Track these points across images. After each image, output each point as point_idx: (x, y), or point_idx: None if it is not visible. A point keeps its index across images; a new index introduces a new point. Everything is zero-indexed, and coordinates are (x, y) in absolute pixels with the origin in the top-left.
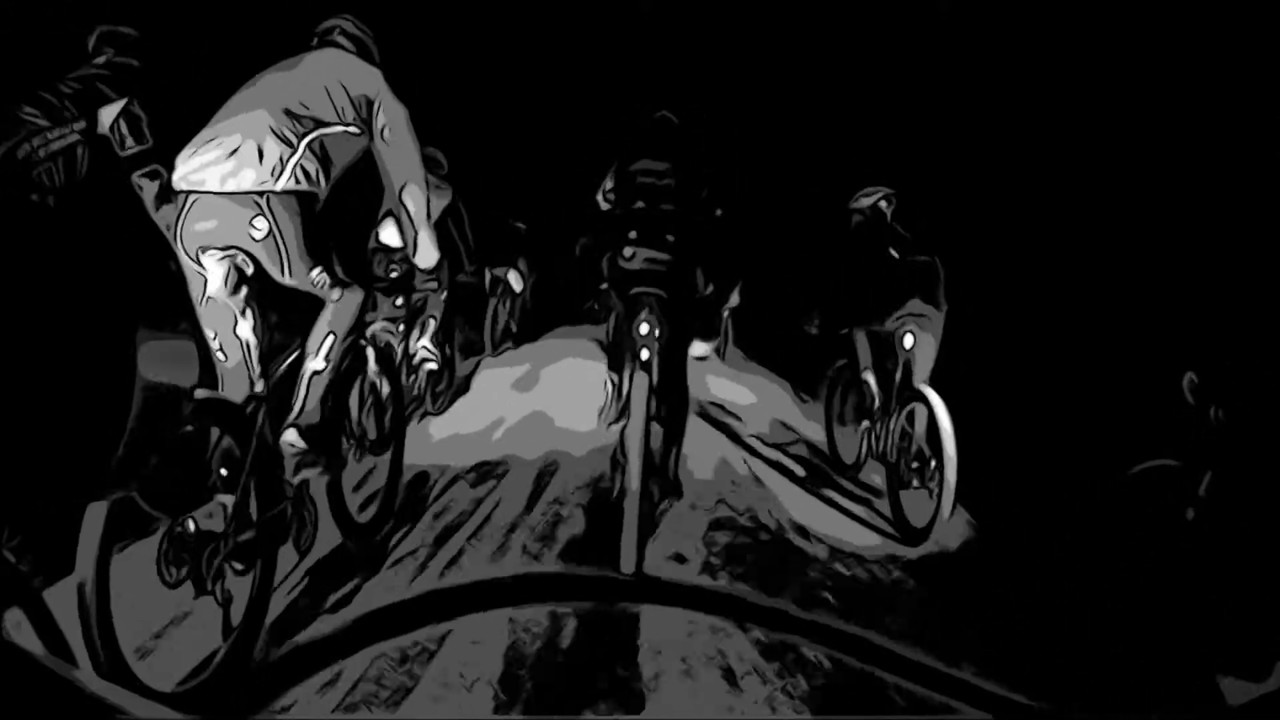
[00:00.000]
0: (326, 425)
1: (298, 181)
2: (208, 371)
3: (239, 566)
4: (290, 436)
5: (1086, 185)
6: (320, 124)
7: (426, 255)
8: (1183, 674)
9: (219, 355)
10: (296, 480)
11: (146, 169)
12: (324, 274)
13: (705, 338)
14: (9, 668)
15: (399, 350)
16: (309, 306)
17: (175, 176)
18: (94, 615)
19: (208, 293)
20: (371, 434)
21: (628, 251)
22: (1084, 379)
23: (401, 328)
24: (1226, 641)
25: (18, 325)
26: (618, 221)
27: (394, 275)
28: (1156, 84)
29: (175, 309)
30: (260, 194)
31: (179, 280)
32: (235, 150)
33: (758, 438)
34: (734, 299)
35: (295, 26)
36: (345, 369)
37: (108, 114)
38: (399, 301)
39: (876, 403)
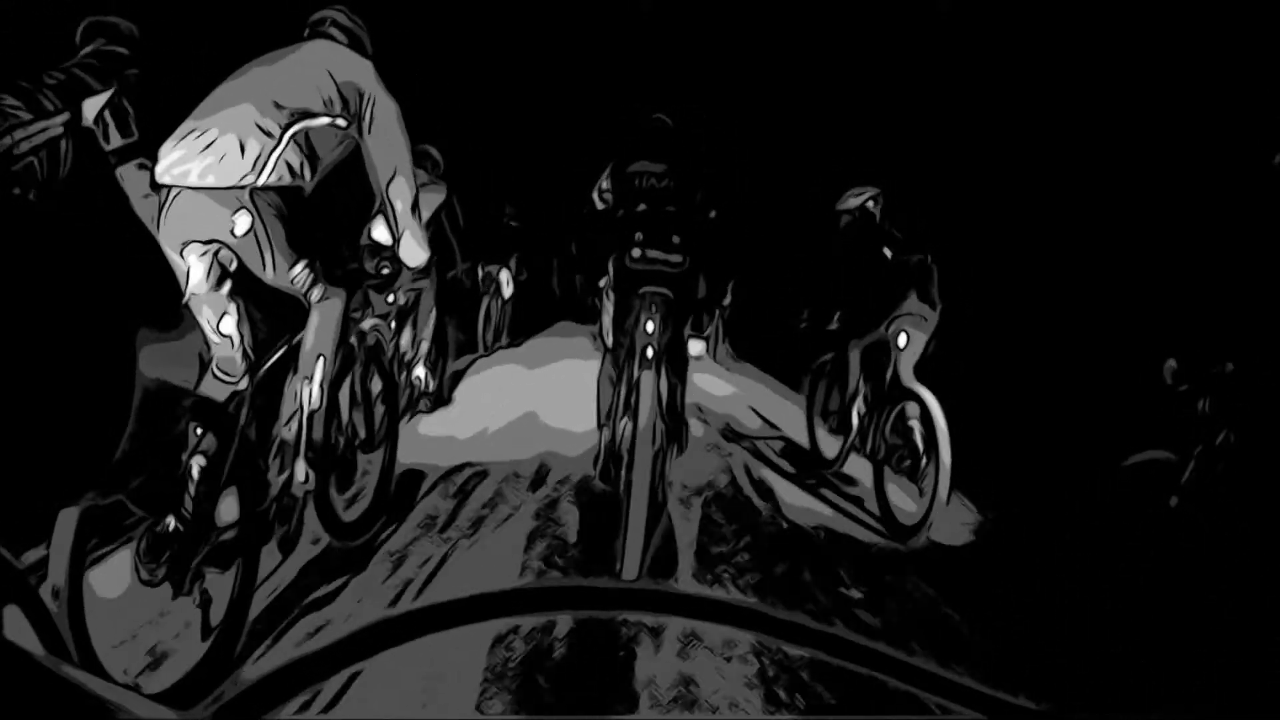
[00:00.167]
0: (333, 457)
1: (280, 176)
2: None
3: (214, 571)
4: (300, 475)
5: (1082, 183)
6: (306, 116)
7: (413, 253)
8: (1183, 674)
9: (203, 351)
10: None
11: (132, 162)
12: (306, 271)
13: (699, 336)
14: (8, 667)
15: (390, 348)
16: (296, 302)
17: (158, 169)
18: (68, 622)
19: (190, 288)
20: (362, 432)
21: (635, 252)
22: (1079, 374)
23: (393, 324)
24: (1225, 641)
25: (14, 324)
26: (622, 222)
27: (385, 272)
28: (1153, 83)
29: (167, 304)
30: (242, 189)
31: (169, 275)
32: (217, 143)
33: (748, 435)
34: (725, 298)
35: (288, 17)
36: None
37: (92, 106)
38: (390, 299)
39: (865, 400)
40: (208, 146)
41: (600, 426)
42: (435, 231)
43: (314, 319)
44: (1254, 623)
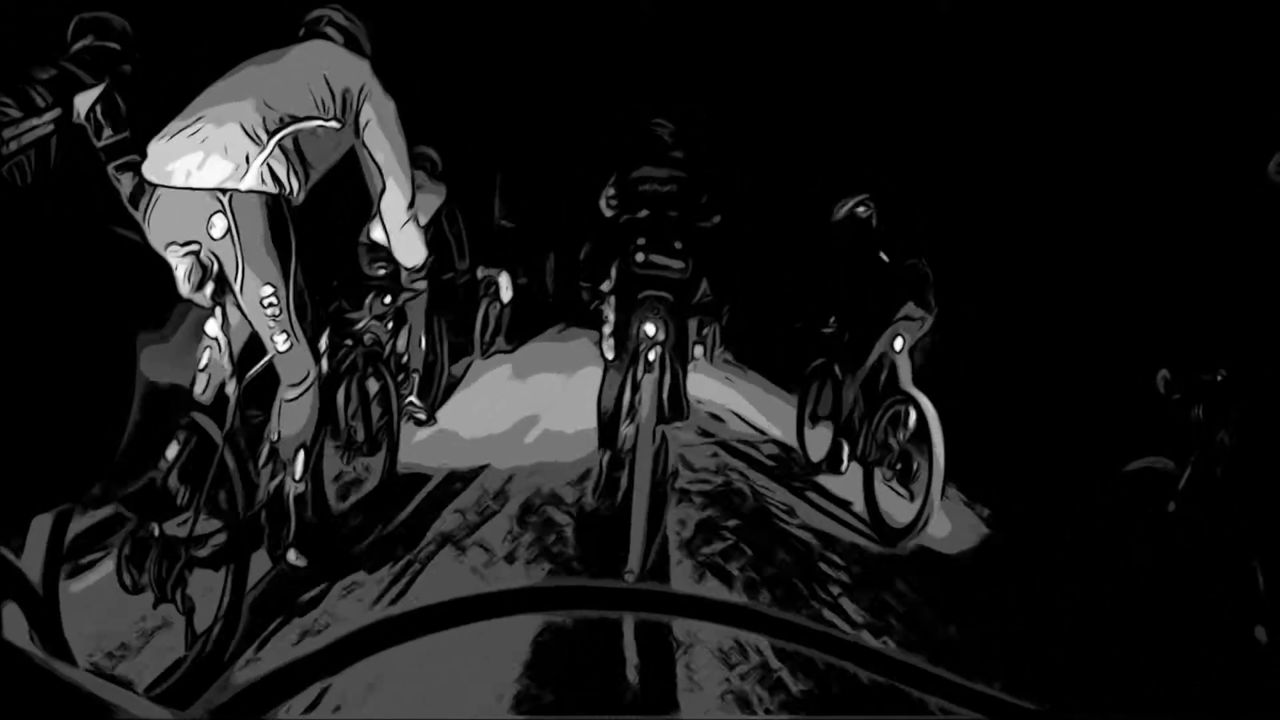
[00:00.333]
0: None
1: (263, 181)
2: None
3: (206, 569)
4: (292, 557)
5: (1083, 187)
6: (296, 120)
7: (409, 254)
8: (1183, 674)
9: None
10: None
11: (123, 159)
12: (275, 297)
13: (697, 340)
14: (7, 667)
15: (387, 349)
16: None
17: (145, 166)
18: (42, 630)
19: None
20: (361, 436)
21: (638, 257)
22: (1079, 379)
23: (390, 326)
24: (1225, 641)
25: (14, 323)
26: (624, 228)
27: (382, 272)
28: (1152, 87)
29: (166, 304)
30: (223, 191)
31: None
32: (204, 144)
33: (741, 437)
34: (724, 303)
35: (284, 16)
36: (334, 370)
37: (84, 101)
38: (387, 300)
39: (856, 404)
40: (194, 146)
41: (600, 447)
42: (434, 234)
43: (282, 381)
44: (1253, 623)
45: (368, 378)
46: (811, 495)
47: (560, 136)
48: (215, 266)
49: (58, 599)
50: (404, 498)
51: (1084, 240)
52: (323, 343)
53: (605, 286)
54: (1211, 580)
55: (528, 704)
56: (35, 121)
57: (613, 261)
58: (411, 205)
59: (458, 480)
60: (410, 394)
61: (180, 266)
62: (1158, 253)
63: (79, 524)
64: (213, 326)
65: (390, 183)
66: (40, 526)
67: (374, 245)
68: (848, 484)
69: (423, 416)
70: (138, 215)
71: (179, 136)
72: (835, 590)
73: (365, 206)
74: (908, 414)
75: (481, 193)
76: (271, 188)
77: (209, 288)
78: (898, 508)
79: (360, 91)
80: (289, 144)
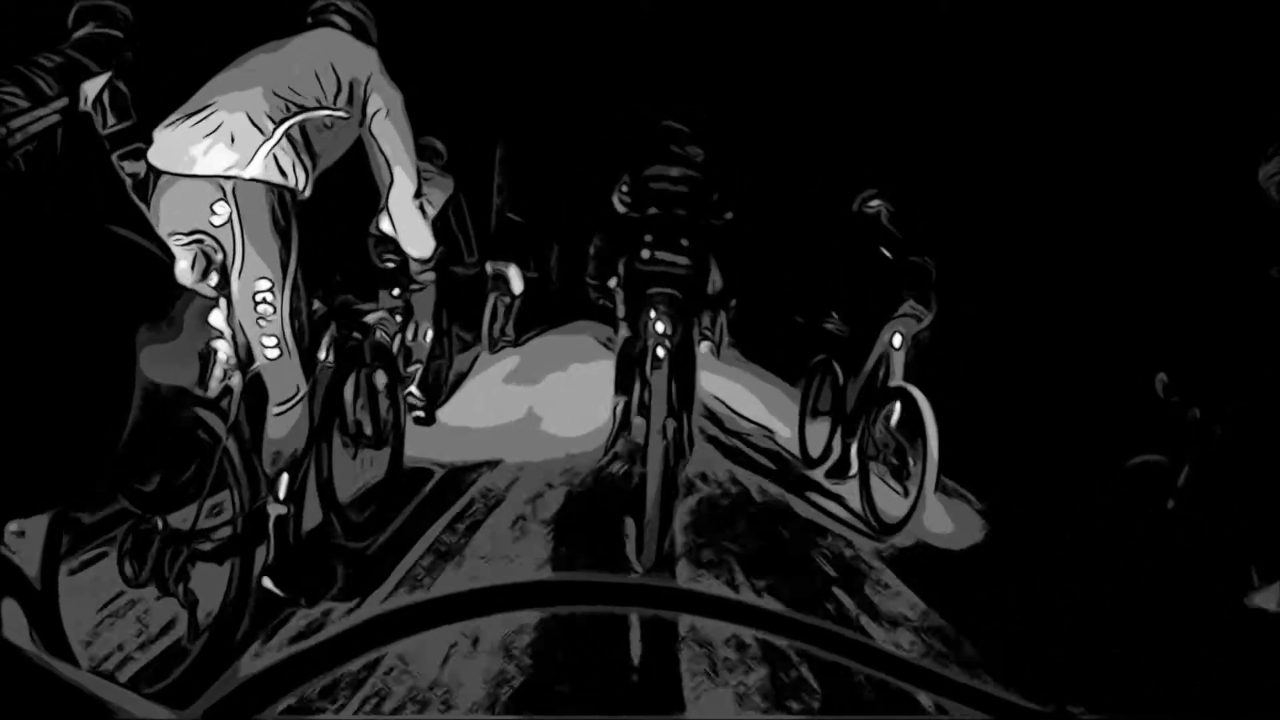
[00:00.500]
0: (303, 562)
1: (268, 171)
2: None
3: (210, 563)
4: (269, 584)
5: (1083, 186)
6: (303, 109)
7: (418, 245)
8: (1183, 674)
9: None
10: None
11: (129, 148)
12: (271, 293)
13: (705, 336)
14: (7, 667)
15: (395, 342)
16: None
17: (151, 153)
18: (41, 630)
19: (177, 278)
20: (368, 429)
21: (645, 254)
22: (1079, 377)
23: (398, 318)
24: (1225, 641)
25: (13, 323)
26: (633, 225)
27: (390, 265)
28: (1153, 88)
29: (167, 300)
30: (227, 178)
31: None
32: (210, 132)
33: (745, 432)
34: (731, 298)
35: (292, 3)
36: (340, 363)
37: (90, 88)
38: (396, 291)
39: (857, 402)
40: (200, 133)
41: (617, 394)
42: (442, 225)
43: (271, 408)
44: (1253, 623)
45: (375, 371)
46: (810, 492)
47: (562, 132)
48: (220, 256)
49: (57, 597)
50: (410, 491)
51: (1084, 240)
52: (325, 340)
53: (612, 283)
54: (1211, 580)
55: (531, 702)
56: (42, 111)
57: (620, 259)
58: (419, 196)
59: (464, 473)
60: (411, 384)
61: (184, 255)
62: (1157, 253)
63: (80, 520)
64: (217, 318)
65: (398, 173)
66: (38, 525)
67: (383, 237)
68: (845, 478)
69: (422, 414)
70: (142, 204)
71: (185, 124)
72: (835, 589)
73: (373, 198)
74: (902, 405)
75: (487, 186)
76: (277, 178)
77: (214, 278)
78: (892, 502)
79: (367, 81)
80: (296, 134)
